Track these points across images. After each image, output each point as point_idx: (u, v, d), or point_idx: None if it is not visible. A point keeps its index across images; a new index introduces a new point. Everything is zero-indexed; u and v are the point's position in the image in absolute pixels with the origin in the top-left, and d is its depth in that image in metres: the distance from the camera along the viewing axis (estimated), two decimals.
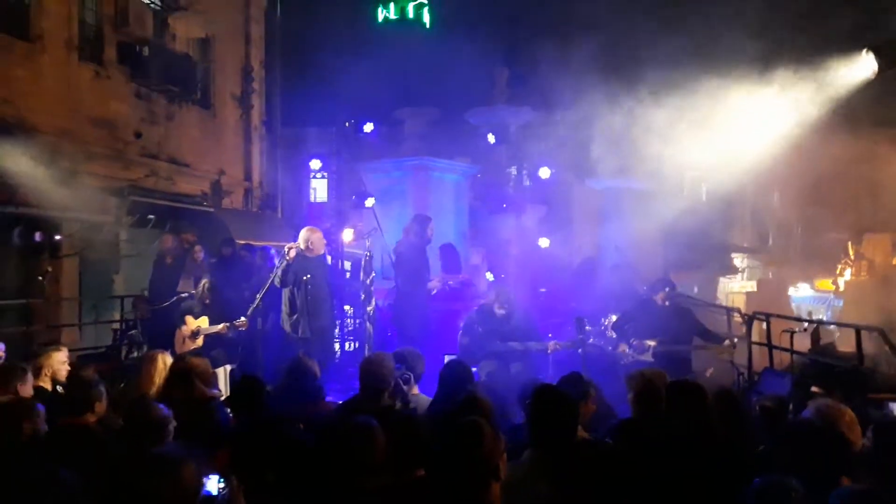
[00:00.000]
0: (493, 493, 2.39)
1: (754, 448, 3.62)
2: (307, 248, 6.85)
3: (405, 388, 4.34)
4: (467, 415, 2.77)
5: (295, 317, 6.82)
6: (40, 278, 9.26)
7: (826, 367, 5.91)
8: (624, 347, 6.79)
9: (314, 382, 4.67)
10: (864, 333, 5.89)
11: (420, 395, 4.57)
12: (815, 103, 8.22)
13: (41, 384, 4.95)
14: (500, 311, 6.62)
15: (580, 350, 6.42)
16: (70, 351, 6.01)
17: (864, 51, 6.96)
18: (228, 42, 14.84)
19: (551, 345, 6.52)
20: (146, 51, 11.98)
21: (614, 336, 7.20)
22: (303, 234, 6.99)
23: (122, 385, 6.39)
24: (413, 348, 4.89)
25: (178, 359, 4.67)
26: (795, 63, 8.39)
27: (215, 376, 6.60)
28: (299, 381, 4.57)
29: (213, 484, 2.69)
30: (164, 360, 4.96)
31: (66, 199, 9.23)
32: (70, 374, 5.14)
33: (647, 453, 3.26)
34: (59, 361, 5.11)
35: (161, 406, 3.51)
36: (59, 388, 5.07)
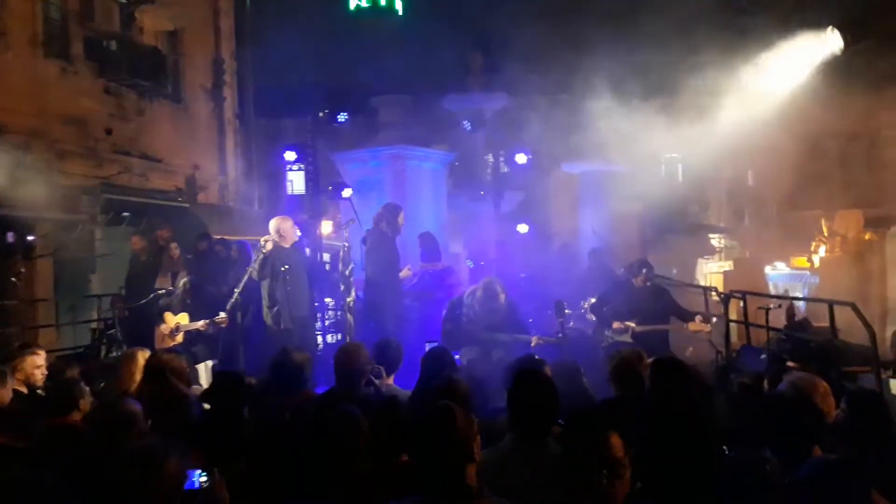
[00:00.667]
0: (469, 474, 2.43)
1: (731, 423, 3.69)
2: (280, 237, 6.84)
3: (377, 381, 4.35)
4: (443, 399, 2.81)
5: (276, 308, 6.81)
6: (14, 280, 9.12)
7: (801, 343, 6.01)
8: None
9: (299, 374, 4.65)
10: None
11: (393, 386, 4.59)
12: (785, 80, 8.32)
13: (16, 388, 4.89)
14: (487, 304, 6.56)
15: (561, 337, 6.45)
16: (48, 352, 5.94)
17: (830, 28, 7.05)
18: (198, 34, 14.65)
19: (534, 339, 6.51)
20: (113, 45, 11.79)
21: (593, 319, 7.26)
22: (273, 223, 6.99)
23: (101, 384, 6.34)
24: (390, 339, 4.90)
25: (151, 356, 4.66)
26: (766, 41, 8.48)
27: (196, 372, 6.58)
28: (283, 374, 4.56)
29: (196, 477, 2.71)
30: (144, 358, 4.94)
31: (38, 199, 9.06)
32: (53, 375, 5.10)
33: (628, 431, 3.30)
34: (34, 366, 5.04)
35: (132, 401, 3.52)
36: (38, 392, 5.03)
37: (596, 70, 10.20)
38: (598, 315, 7.13)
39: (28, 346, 5.36)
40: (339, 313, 9.72)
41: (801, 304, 8.85)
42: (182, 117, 14.06)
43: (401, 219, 7.79)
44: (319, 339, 9.40)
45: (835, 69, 8.73)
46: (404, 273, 8.02)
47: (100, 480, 2.70)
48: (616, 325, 6.80)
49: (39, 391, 4.97)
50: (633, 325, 6.73)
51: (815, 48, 7.73)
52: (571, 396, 4.11)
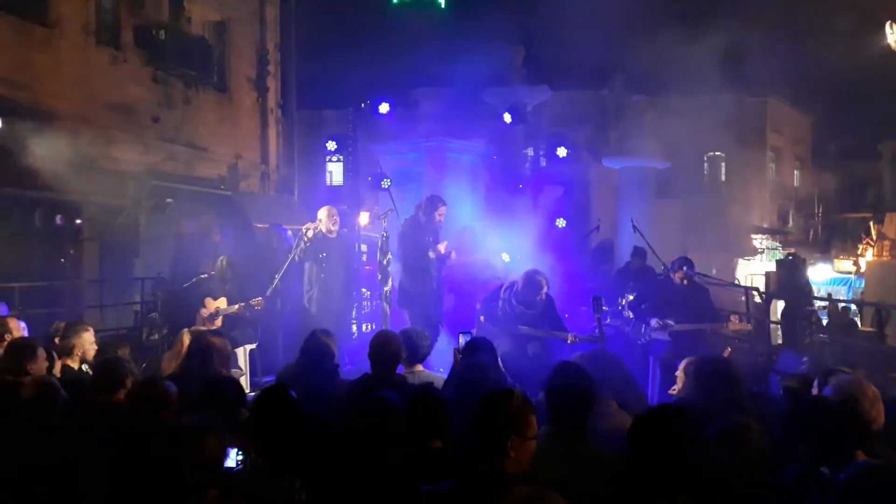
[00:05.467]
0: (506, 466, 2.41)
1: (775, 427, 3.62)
2: (323, 226, 7.24)
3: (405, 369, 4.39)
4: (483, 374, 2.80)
5: (311, 291, 7.22)
6: (62, 261, 9.38)
7: (846, 346, 5.87)
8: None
9: (331, 361, 4.70)
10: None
11: (426, 372, 4.61)
12: (837, 76, 8.09)
13: (70, 363, 5.04)
14: (528, 296, 6.46)
15: (598, 335, 6.31)
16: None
17: (888, 23, 6.82)
18: (244, 25, 14.83)
19: (570, 336, 6.36)
20: (162, 34, 12.01)
21: (631, 316, 7.17)
22: (319, 212, 7.44)
23: (143, 365, 6.51)
24: (416, 329, 4.94)
25: (199, 336, 4.76)
26: (813, 37, 8.26)
27: (235, 356, 6.70)
28: (315, 360, 4.60)
29: (233, 457, 2.75)
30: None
31: (86, 184, 9.32)
32: (102, 354, 5.22)
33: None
34: (89, 342, 5.20)
35: (168, 383, 3.61)
36: (84, 367, 5.16)
37: (640, 64, 10.06)
38: (636, 312, 7.04)
39: (77, 325, 5.50)
40: (374, 303, 9.78)
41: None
42: (226, 107, 14.27)
43: (439, 213, 7.70)
44: (354, 328, 9.49)
45: (888, 65, 8.48)
46: (441, 247, 7.76)
47: (142, 455, 2.77)
48: (654, 321, 6.69)
49: (86, 367, 5.09)
50: (671, 322, 6.63)
51: (867, 43, 7.49)
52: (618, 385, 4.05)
